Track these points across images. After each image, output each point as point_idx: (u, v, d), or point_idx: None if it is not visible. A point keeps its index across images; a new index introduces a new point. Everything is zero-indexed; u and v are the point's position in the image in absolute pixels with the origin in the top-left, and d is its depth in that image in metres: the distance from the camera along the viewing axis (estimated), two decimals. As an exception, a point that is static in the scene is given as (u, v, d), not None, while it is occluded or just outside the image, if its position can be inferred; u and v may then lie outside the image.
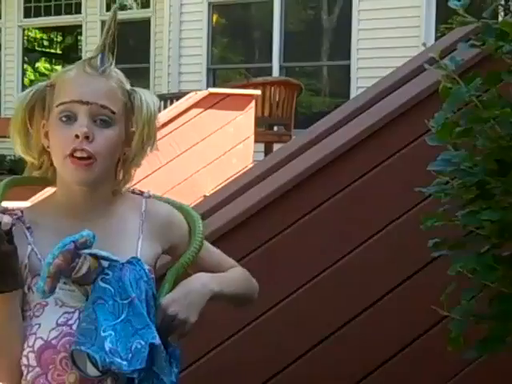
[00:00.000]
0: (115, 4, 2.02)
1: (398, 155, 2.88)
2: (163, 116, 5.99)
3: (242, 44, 11.35)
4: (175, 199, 1.81)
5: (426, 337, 2.79)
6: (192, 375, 2.63)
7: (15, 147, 1.69)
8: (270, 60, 10.26)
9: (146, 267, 1.61)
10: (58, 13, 12.50)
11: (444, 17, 7.92)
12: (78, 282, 1.56)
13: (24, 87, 12.61)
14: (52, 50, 14.28)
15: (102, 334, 1.49)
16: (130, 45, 11.54)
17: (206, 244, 1.82)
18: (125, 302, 1.54)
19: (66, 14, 12.43)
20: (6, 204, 1.67)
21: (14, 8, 12.65)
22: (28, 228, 1.64)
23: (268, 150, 7.86)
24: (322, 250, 2.84)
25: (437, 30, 8.70)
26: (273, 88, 8.12)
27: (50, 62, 14.22)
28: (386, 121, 2.92)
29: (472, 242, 1.92)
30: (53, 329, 1.55)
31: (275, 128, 8.81)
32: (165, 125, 5.90)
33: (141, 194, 1.75)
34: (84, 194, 1.64)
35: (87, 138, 1.57)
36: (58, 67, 13.75)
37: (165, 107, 7.49)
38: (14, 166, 9.62)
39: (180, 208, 1.79)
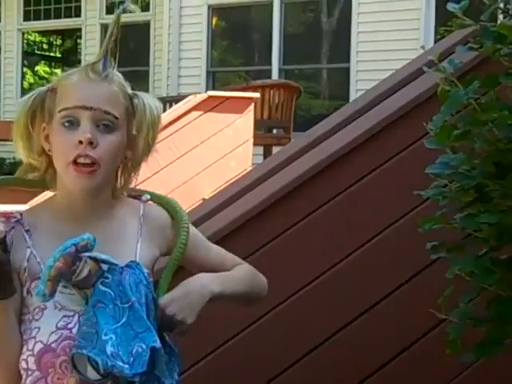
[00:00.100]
0: (119, 9, 2.01)
1: (396, 158, 2.88)
2: (162, 119, 5.97)
3: (242, 47, 11.36)
4: (157, 192, 1.81)
5: (424, 340, 2.78)
6: (191, 377, 2.63)
7: (18, 151, 1.68)
8: (270, 63, 10.27)
9: (145, 271, 1.61)
10: (57, 16, 12.51)
11: (443, 19, 7.94)
12: (78, 286, 1.56)
13: (23, 90, 12.63)
14: (51, 54, 14.29)
15: (103, 338, 1.49)
16: (130, 48, 11.55)
17: (208, 243, 1.82)
18: (125, 305, 1.54)
19: (66, 17, 12.45)
20: (5, 207, 1.67)
21: (13, 11, 12.66)
22: (27, 231, 1.64)
23: (267, 153, 7.86)
24: (321, 253, 2.84)
25: (436, 32, 8.71)
26: (272, 91, 8.13)
27: (50, 66, 14.22)
28: (385, 124, 2.91)
29: (470, 244, 1.91)
30: (52, 332, 1.55)
31: (274, 131, 8.81)
32: (164, 128, 5.85)
33: (138, 198, 1.75)
34: (85, 198, 1.64)
35: (91, 143, 1.57)
36: (58, 70, 13.77)
37: (164, 110, 7.48)
38: (14, 169, 9.60)
39: (163, 200, 1.78)
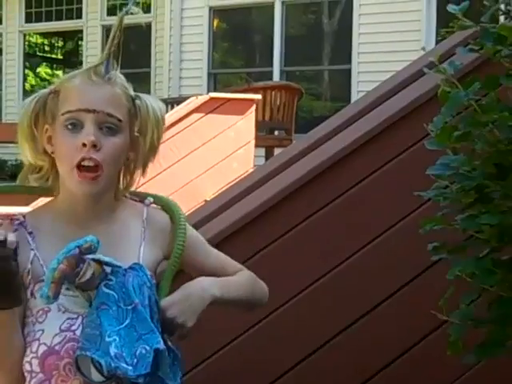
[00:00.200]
0: (122, 11, 2.00)
1: (397, 160, 2.88)
2: (164, 120, 5.99)
3: (243, 48, 11.37)
4: (158, 194, 1.82)
5: (425, 342, 2.78)
6: (190, 381, 2.63)
7: (24, 154, 1.69)
8: (271, 64, 10.27)
9: (149, 273, 1.62)
10: (58, 18, 12.53)
11: (444, 20, 7.93)
12: (81, 288, 1.56)
13: (25, 92, 12.64)
14: (53, 55, 14.31)
15: (107, 340, 1.49)
16: (131, 50, 11.56)
17: (208, 247, 1.83)
18: (128, 307, 1.54)
19: (67, 19, 12.46)
20: (6, 209, 1.67)
21: (15, 13, 12.68)
22: (30, 233, 1.64)
23: (269, 155, 7.86)
24: (321, 255, 2.84)
25: (437, 33, 8.71)
26: (273, 92, 8.13)
27: (51, 67, 14.24)
28: (385, 125, 2.91)
29: (471, 245, 1.91)
30: (56, 334, 1.55)
31: (276, 132, 8.81)
32: (165, 129, 5.87)
33: (141, 201, 1.76)
34: (87, 201, 1.64)
35: (94, 146, 1.57)
36: (59, 72, 13.78)
37: (165, 112, 7.48)
38: (16, 171, 9.63)
39: (163, 202, 1.79)
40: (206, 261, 1.79)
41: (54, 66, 14.34)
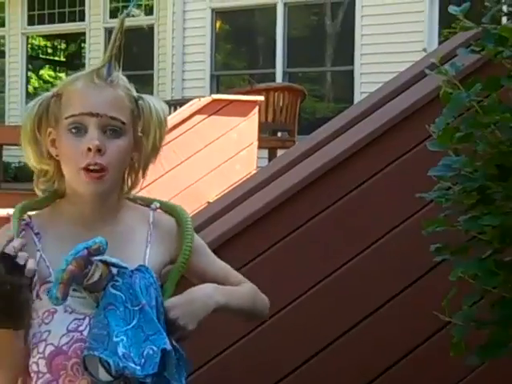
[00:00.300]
0: (123, 14, 2.00)
1: (399, 161, 2.88)
2: (167, 122, 5.99)
3: (246, 50, 11.37)
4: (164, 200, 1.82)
5: (428, 343, 2.78)
6: (193, 382, 2.62)
7: (27, 157, 1.69)
8: (274, 66, 10.27)
9: (154, 275, 1.62)
10: (61, 20, 12.53)
11: (447, 21, 7.93)
12: (89, 289, 1.57)
13: (28, 95, 12.65)
14: (56, 58, 14.30)
15: (115, 339, 1.50)
16: (134, 52, 11.56)
17: (212, 256, 1.83)
18: (135, 308, 1.55)
19: (70, 21, 12.46)
20: (9, 211, 1.68)
21: (17, 16, 12.68)
22: (36, 234, 1.65)
23: (272, 156, 7.86)
24: (324, 258, 2.83)
25: (440, 34, 8.71)
26: (276, 94, 8.13)
27: (54, 70, 14.25)
28: (388, 127, 2.91)
29: (474, 247, 1.91)
30: (64, 335, 1.56)
31: (279, 134, 8.81)
32: (168, 131, 5.86)
33: (147, 206, 1.77)
34: (94, 202, 1.65)
35: (99, 150, 1.58)
36: (62, 74, 13.78)
37: (169, 113, 7.49)
38: (19, 173, 9.64)
39: (169, 207, 1.80)
40: (208, 268, 1.80)
41: (57, 68, 14.35)
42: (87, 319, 1.57)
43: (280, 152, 7.25)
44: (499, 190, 1.82)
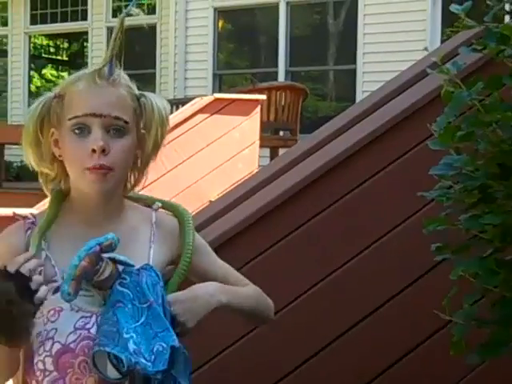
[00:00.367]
0: (122, 13, 2.00)
1: (401, 160, 2.88)
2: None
3: (248, 49, 11.37)
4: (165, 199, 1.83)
5: (429, 342, 2.78)
6: (194, 382, 2.62)
7: (28, 160, 1.69)
8: (276, 65, 10.27)
9: (159, 273, 1.63)
10: (64, 20, 12.53)
11: (450, 20, 7.92)
12: (98, 286, 1.57)
13: (30, 94, 12.65)
14: (58, 57, 14.31)
15: (125, 336, 1.50)
16: (136, 51, 11.57)
17: (213, 257, 1.83)
18: (144, 305, 1.56)
19: (72, 20, 12.46)
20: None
21: (20, 15, 12.69)
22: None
23: (274, 155, 7.86)
24: (325, 256, 2.83)
25: (443, 33, 8.70)
26: (278, 93, 8.13)
27: (57, 69, 14.26)
28: (389, 125, 2.91)
29: (475, 245, 1.91)
30: (71, 333, 1.56)
31: (281, 133, 8.81)
32: (170, 130, 5.86)
33: (149, 206, 1.78)
34: (99, 201, 1.66)
35: (103, 150, 1.58)
36: (65, 74, 13.79)
37: (171, 113, 7.47)
38: (21, 172, 9.64)
39: (171, 207, 1.81)
40: (209, 268, 1.80)
41: (60, 67, 14.36)
42: (94, 317, 1.58)
43: (282, 151, 7.24)
44: (500, 188, 1.82)
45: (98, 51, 11.82)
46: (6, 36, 12.99)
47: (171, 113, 7.44)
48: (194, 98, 6.86)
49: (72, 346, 1.55)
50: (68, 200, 1.70)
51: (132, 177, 1.73)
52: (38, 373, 1.57)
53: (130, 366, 1.48)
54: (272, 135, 8.36)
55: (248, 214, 2.83)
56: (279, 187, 2.94)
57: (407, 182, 2.80)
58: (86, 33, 12.35)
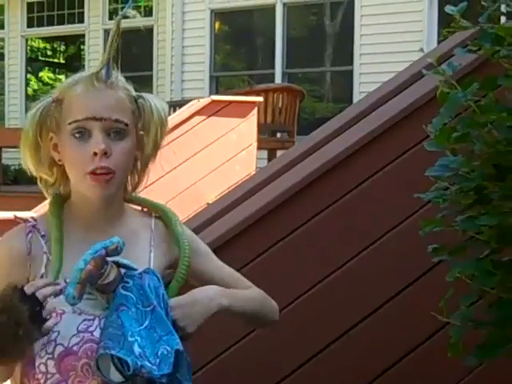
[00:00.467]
0: (118, 16, 2.00)
1: (398, 161, 2.88)
2: (166, 124, 5.98)
3: (245, 51, 11.36)
4: (159, 202, 1.83)
5: (428, 343, 2.77)
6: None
7: (27, 165, 1.69)
8: (273, 66, 10.27)
9: (160, 277, 1.64)
10: (60, 22, 12.52)
11: (446, 21, 7.92)
12: (101, 290, 1.57)
13: (28, 97, 12.65)
14: (55, 60, 14.31)
15: (130, 339, 1.51)
16: (133, 53, 11.57)
17: (210, 258, 1.83)
18: (147, 309, 1.56)
19: (69, 23, 12.45)
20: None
21: (17, 18, 12.68)
22: (43, 236, 1.66)
23: (271, 157, 7.86)
24: (323, 258, 2.83)
25: (439, 34, 8.70)
26: (275, 94, 8.12)
27: (54, 72, 14.25)
28: (386, 126, 2.92)
29: (471, 247, 1.91)
30: (74, 335, 1.57)
31: (278, 135, 8.81)
32: (167, 132, 5.87)
33: (149, 213, 1.78)
34: (100, 205, 1.66)
35: (105, 153, 1.59)
36: (62, 76, 13.79)
37: (168, 115, 7.47)
38: (19, 176, 9.64)
39: (156, 208, 1.80)
40: (207, 271, 1.79)
41: (57, 70, 14.35)
42: (97, 320, 1.58)
43: (279, 153, 7.24)
44: (496, 189, 1.82)
45: (94, 54, 11.82)
46: (2, 39, 12.98)
47: (168, 115, 7.43)
48: (191, 100, 6.85)
49: (75, 348, 1.56)
50: (68, 205, 1.70)
51: (132, 179, 1.73)
52: (39, 375, 1.57)
53: (136, 369, 1.49)
54: (269, 137, 8.36)
55: (246, 215, 2.83)
56: (277, 189, 2.94)
57: (405, 183, 2.80)
58: (83, 35, 12.34)
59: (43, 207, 4.66)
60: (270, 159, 7.76)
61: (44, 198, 1.76)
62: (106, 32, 11.67)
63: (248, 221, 2.81)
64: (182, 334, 1.61)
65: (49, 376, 1.56)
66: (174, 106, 8.18)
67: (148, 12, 11.60)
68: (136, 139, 1.67)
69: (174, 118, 6.35)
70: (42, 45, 13.80)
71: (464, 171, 1.84)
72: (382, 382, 2.77)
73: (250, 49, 11.17)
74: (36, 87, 13.44)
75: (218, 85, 10.73)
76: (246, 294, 1.79)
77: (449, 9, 1.92)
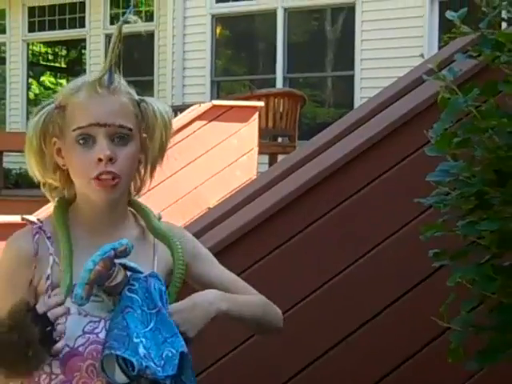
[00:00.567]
0: (120, 22, 2.01)
1: (399, 166, 2.88)
2: (167, 128, 5.98)
3: (246, 56, 11.38)
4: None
5: (427, 349, 2.77)
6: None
7: (32, 172, 1.70)
8: (274, 71, 10.28)
9: (163, 281, 1.65)
10: (62, 27, 12.54)
11: (447, 26, 7.93)
12: (108, 291, 1.58)
13: (29, 101, 12.66)
14: (57, 64, 14.32)
15: (135, 340, 1.52)
16: (134, 58, 11.58)
17: (209, 263, 1.83)
18: (152, 311, 1.57)
19: (70, 28, 12.47)
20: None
21: (18, 22, 12.71)
22: (49, 238, 1.67)
23: (272, 162, 7.86)
24: (323, 264, 2.83)
25: (440, 39, 8.71)
26: (276, 99, 8.14)
27: (55, 76, 14.26)
28: (387, 132, 2.91)
29: (472, 252, 1.91)
30: (79, 336, 1.58)
31: (279, 139, 8.82)
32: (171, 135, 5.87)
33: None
34: (105, 208, 1.67)
35: (110, 159, 1.59)
36: (63, 81, 13.80)
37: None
38: (20, 180, 9.64)
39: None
40: (206, 275, 1.80)
41: (58, 74, 14.36)
42: (103, 322, 1.59)
43: (280, 158, 7.25)
44: (497, 195, 1.82)
45: (96, 58, 11.84)
46: (4, 43, 13.00)
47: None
48: (192, 105, 6.86)
49: (80, 349, 1.57)
50: (73, 208, 1.71)
51: (135, 182, 1.74)
52: (43, 376, 1.57)
53: (141, 369, 1.49)
54: (270, 142, 8.37)
55: (245, 221, 2.83)
56: (276, 195, 2.94)
57: (405, 189, 2.80)
58: (84, 40, 12.36)
59: (44, 211, 4.66)
60: (270, 164, 7.77)
61: (46, 202, 1.77)
62: (108, 36, 11.68)
63: (246, 227, 2.80)
64: (184, 339, 1.61)
65: (53, 377, 1.57)
66: (175, 110, 8.17)
67: (149, 17, 11.61)
68: (140, 142, 1.68)
69: (175, 123, 6.34)
70: (43, 49, 13.82)
71: (465, 176, 1.84)
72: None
73: (251, 54, 11.18)
74: (37, 91, 13.46)
75: (219, 89, 10.74)
76: (247, 299, 1.79)
77: (449, 14, 1.92)
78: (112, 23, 11.82)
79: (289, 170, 3.19)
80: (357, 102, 9.18)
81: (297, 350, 2.77)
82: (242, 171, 6.52)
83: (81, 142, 1.61)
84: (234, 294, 1.77)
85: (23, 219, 1.73)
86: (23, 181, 9.19)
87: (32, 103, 12.62)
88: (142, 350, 1.51)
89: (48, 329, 1.48)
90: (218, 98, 9.58)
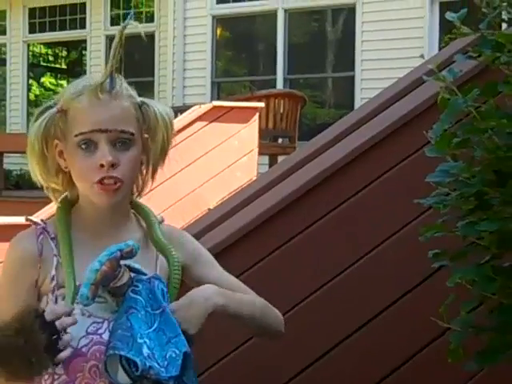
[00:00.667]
0: (120, 27, 2.02)
1: (398, 167, 2.88)
2: (167, 129, 5.98)
3: (246, 57, 11.38)
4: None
5: (427, 350, 2.77)
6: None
7: (35, 176, 1.71)
8: (274, 72, 10.28)
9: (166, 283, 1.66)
10: (62, 28, 12.55)
11: (448, 27, 7.93)
12: (113, 292, 1.58)
13: (29, 102, 12.67)
14: (57, 65, 14.33)
15: (139, 341, 1.52)
16: (135, 59, 11.58)
17: (207, 264, 1.83)
18: (156, 312, 1.58)
19: (71, 29, 12.48)
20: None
21: (19, 23, 12.71)
22: (53, 239, 1.67)
23: (273, 163, 7.87)
24: (323, 264, 2.83)
25: (440, 40, 8.72)
26: (277, 100, 8.14)
27: (55, 77, 14.27)
28: (387, 132, 2.91)
29: (472, 252, 1.91)
30: (83, 337, 1.58)
31: (279, 140, 8.82)
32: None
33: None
34: (107, 211, 1.68)
35: (113, 165, 1.60)
36: (64, 82, 13.81)
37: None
38: (21, 181, 9.64)
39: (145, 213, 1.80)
40: (203, 277, 1.80)
41: (58, 75, 14.37)
42: (106, 323, 1.60)
43: (281, 158, 7.25)
44: (497, 195, 1.83)
45: (96, 59, 11.84)
46: (4, 45, 13.01)
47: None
48: (192, 106, 6.86)
49: (84, 350, 1.57)
50: (75, 209, 1.72)
51: (137, 183, 1.75)
52: (46, 376, 1.58)
53: (144, 370, 1.50)
54: (271, 143, 8.37)
55: (244, 223, 2.83)
56: (275, 196, 2.94)
57: (405, 189, 2.80)
58: (85, 41, 12.36)
59: (45, 212, 4.67)
60: (271, 165, 7.77)
61: (46, 204, 1.78)
62: (108, 38, 11.70)
63: (246, 228, 2.80)
64: (185, 337, 1.62)
65: (56, 377, 1.57)
66: (176, 111, 8.16)
67: (149, 18, 11.62)
68: (141, 143, 1.69)
69: (175, 124, 6.32)
70: (43, 50, 13.82)
71: (464, 177, 1.85)
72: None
73: (252, 55, 11.19)
74: (38, 93, 13.47)
75: (219, 90, 10.75)
76: (245, 297, 1.79)
77: (449, 15, 1.92)
78: (113, 24, 11.83)
79: (289, 171, 3.19)
80: (357, 103, 9.18)
81: (297, 351, 2.77)
82: (243, 172, 6.52)
83: (83, 146, 1.62)
84: None
85: (27, 220, 1.73)
86: (24, 182, 9.20)
87: (32, 104, 12.63)
88: (145, 351, 1.51)
89: (54, 337, 1.47)
90: (219, 98, 9.57)
